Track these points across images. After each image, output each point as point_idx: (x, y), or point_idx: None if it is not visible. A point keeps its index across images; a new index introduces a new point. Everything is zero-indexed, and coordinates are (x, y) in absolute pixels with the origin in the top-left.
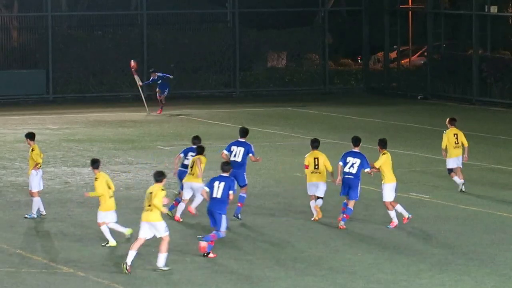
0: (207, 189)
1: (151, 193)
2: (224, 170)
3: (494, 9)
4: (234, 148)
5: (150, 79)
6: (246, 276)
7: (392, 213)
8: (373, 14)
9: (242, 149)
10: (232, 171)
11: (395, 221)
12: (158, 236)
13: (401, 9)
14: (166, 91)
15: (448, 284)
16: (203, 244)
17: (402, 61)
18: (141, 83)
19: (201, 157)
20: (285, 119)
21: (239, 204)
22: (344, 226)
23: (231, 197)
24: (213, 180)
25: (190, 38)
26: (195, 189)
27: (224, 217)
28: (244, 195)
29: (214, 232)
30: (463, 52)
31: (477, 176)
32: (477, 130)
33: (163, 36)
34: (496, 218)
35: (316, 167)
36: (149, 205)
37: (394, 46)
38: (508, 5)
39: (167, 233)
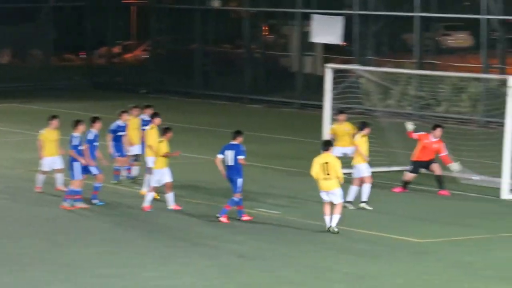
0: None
1: (326, 163)
2: (233, 138)
3: (217, 4)
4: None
5: None
6: None
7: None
8: (96, 9)
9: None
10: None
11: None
12: (335, 202)
13: (125, 4)
14: None
15: (172, 276)
16: (223, 219)
17: (126, 56)
18: None
19: None
20: (10, 115)
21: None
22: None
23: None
24: (224, 149)
25: None
26: None
27: (240, 181)
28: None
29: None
30: (186, 46)
31: (196, 168)
32: (201, 124)
33: None
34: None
35: None
36: (328, 174)
37: (118, 41)
38: (230, 0)
39: (342, 200)
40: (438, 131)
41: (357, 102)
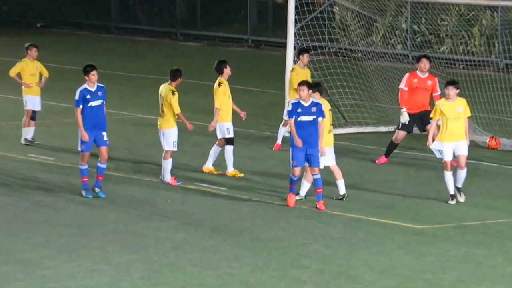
0: None
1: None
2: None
3: None
4: None
5: None
6: None
7: None
8: None
9: None
10: None
11: None
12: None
13: None
14: None
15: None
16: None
17: None
18: None
19: None
20: None
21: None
22: None
23: None
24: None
25: None
26: None
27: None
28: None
29: None
30: None
31: (119, 127)
32: (118, 68)
33: None
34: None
35: None
36: (331, 125)
37: None
38: None
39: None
40: (425, 62)
41: (331, 39)
